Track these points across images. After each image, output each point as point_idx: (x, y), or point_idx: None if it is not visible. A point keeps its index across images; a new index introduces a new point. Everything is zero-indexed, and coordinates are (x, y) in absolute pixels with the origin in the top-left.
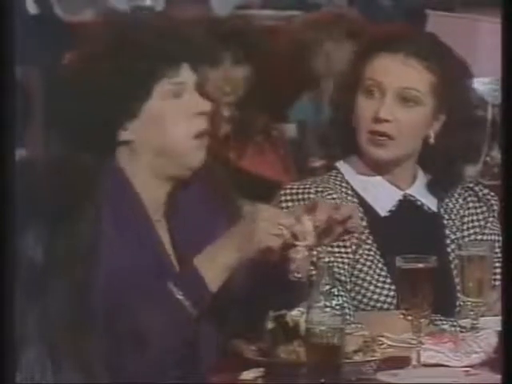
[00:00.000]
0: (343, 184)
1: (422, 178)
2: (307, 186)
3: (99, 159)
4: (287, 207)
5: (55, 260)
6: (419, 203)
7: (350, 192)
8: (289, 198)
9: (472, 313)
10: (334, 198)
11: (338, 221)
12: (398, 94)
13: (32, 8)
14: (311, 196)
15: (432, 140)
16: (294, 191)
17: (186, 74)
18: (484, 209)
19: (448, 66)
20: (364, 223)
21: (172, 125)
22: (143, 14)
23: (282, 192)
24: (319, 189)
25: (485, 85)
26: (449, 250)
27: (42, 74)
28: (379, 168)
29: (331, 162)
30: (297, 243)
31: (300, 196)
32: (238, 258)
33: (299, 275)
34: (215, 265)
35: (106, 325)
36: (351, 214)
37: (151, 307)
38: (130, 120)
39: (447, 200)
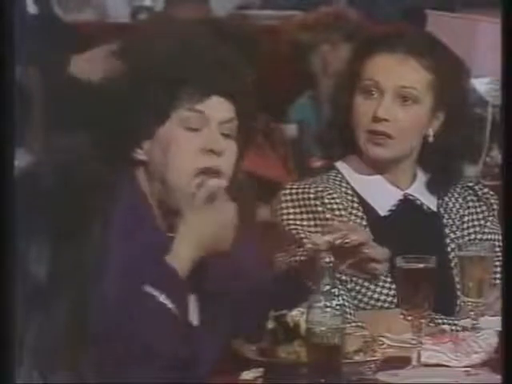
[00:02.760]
0: (343, 184)
1: (421, 178)
2: (307, 186)
3: (116, 173)
4: (287, 207)
5: (58, 276)
6: (419, 203)
7: (349, 192)
8: (289, 198)
9: (472, 313)
10: (333, 198)
11: (351, 245)
12: (397, 93)
13: (32, 8)
14: (311, 196)
15: (431, 138)
16: (293, 191)
17: (213, 107)
18: (484, 208)
19: (445, 63)
20: (364, 223)
21: (179, 154)
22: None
23: (283, 192)
24: (319, 189)
25: (485, 85)
26: (449, 249)
27: (42, 74)
28: (379, 167)
29: (331, 162)
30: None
31: (300, 196)
32: (201, 248)
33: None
34: (179, 257)
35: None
36: (365, 240)
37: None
38: (144, 140)
39: (447, 199)
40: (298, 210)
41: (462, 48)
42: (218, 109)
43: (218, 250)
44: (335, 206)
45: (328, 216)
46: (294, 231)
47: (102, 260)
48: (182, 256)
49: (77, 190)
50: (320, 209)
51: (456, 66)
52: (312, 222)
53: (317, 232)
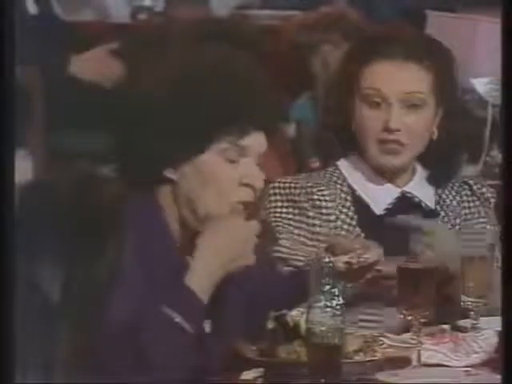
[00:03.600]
0: (338, 181)
1: (420, 174)
2: (295, 182)
3: (139, 191)
4: (275, 201)
5: (71, 297)
6: (417, 200)
7: (345, 189)
8: (277, 191)
9: (472, 313)
10: (323, 195)
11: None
12: (403, 100)
13: (32, 8)
14: (297, 191)
15: (435, 135)
16: (281, 185)
17: (253, 140)
18: (478, 204)
19: (441, 60)
20: (354, 222)
21: (216, 186)
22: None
23: (270, 186)
24: (309, 184)
25: (485, 85)
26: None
27: (42, 73)
28: (388, 175)
29: (330, 162)
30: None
31: (287, 191)
32: (223, 267)
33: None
34: (200, 277)
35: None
36: (378, 259)
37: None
38: (180, 162)
39: (444, 197)
40: (285, 205)
41: (462, 48)
42: (257, 142)
43: (240, 266)
44: (323, 204)
45: (314, 213)
46: (279, 226)
47: (115, 281)
48: (201, 277)
49: (93, 210)
50: (306, 205)
51: (449, 58)
52: (297, 218)
53: (330, 252)
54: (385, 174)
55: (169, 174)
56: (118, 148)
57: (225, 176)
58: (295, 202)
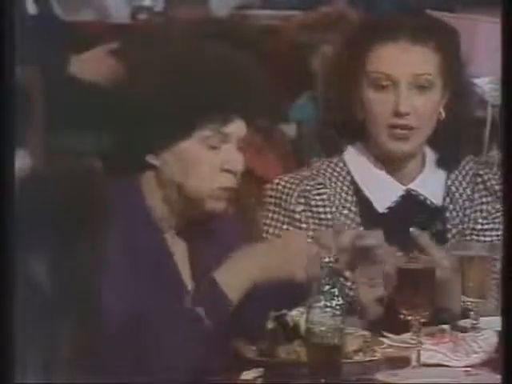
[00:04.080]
0: (340, 178)
1: (428, 169)
2: (289, 184)
3: (123, 178)
4: (274, 202)
5: (62, 284)
6: (422, 198)
7: (345, 188)
8: (272, 193)
9: (472, 313)
10: (322, 199)
11: (362, 249)
12: (412, 82)
13: (32, 8)
14: (297, 189)
15: (442, 116)
16: (275, 187)
17: (236, 127)
18: (489, 199)
19: (447, 39)
20: (365, 218)
21: (197, 172)
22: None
23: (269, 186)
24: (307, 187)
25: (485, 85)
26: (449, 245)
27: (42, 73)
28: (397, 163)
29: (339, 157)
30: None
31: (287, 190)
32: (262, 274)
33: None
34: (237, 277)
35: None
36: (376, 243)
37: (168, 323)
38: (163, 149)
39: (454, 189)
40: (276, 209)
41: (462, 48)
42: (239, 128)
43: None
44: (320, 203)
45: (306, 217)
46: (267, 230)
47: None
48: (233, 275)
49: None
50: (299, 209)
51: (454, 37)
52: (286, 220)
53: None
54: (394, 163)
55: (151, 160)
56: (101, 136)
57: (206, 162)
58: (286, 208)
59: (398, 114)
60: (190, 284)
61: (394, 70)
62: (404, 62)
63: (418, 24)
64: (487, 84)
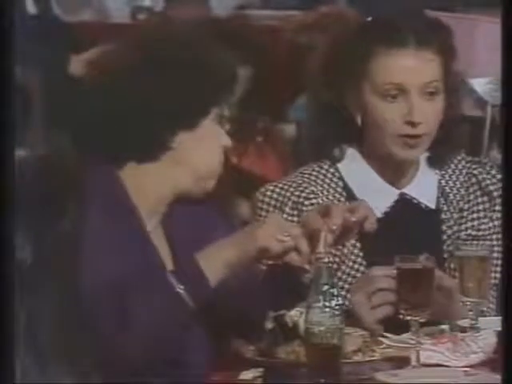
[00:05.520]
0: (332, 185)
1: (421, 171)
2: (284, 189)
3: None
4: (265, 209)
5: (43, 260)
6: (416, 201)
7: (338, 195)
8: (266, 199)
9: (472, 313)
10: (314, 203)
11: (355, 223)
12: (422, 90)
13: (32, 8)
14: (291, 198)
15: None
16: (268, 193)
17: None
18: (485, 199)
19: (445, 40)
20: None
21: (211, 149)
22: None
23: (261, 191)
24: (302, 194)
25: (485, 85)
26: (445, 247)
27: (41, 74)
28: (396, 167)
29: (330, 162)
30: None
31: (280, 198)
32: (238, 255)
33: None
34: (216, 260)
35: (99, 320)
36: (367, 214)
37: (149, 298)
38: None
39: (448, 190)
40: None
41: (462, 48)
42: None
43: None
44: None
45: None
46: None
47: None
48: (214, 259)
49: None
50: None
51: (451, 38)
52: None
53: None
54: (394, 168)
55: (171, 143)
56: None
57: (215, 138)
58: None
59: (411, 123)
60: (170, 265)
61: (403, 79)
62: (412, 70)
63: (420, 27)
64: (487, 84)
